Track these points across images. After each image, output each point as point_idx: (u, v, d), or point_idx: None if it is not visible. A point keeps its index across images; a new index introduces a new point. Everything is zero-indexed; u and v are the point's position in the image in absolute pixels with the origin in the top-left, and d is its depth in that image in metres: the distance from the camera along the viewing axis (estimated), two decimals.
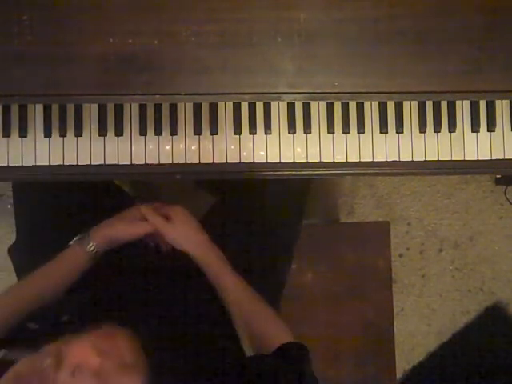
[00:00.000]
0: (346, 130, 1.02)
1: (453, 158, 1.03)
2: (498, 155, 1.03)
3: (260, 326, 0.96)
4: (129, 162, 1.03)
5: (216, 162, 1.03)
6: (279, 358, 0.87)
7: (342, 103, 1.02)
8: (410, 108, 1.03)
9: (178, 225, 1.03)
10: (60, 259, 1.02)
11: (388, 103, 1.02)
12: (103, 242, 1.03)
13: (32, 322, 0.88)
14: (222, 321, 0.97)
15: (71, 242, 1.03)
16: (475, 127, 1.03)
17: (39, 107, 1.02)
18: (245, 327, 0.95)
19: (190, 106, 1.03)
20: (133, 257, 1.07)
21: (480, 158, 1.03)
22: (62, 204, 1.15)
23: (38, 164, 1.02)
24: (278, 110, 1.03)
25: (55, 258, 1.02)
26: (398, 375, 1.79)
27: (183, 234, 1.03)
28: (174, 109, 1.02)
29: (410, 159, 1.03)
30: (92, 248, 1.02)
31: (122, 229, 1.04)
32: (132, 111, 1.03)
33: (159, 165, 1.03)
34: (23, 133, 1.02)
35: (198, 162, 1.04)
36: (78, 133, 1.02)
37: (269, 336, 0.94)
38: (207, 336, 0.89)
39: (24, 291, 0.99)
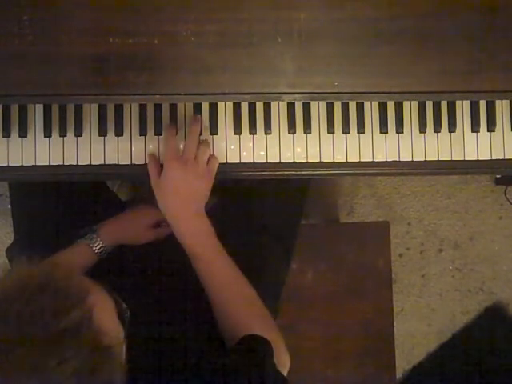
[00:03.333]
0: (346, 130, 1.02)
1: (453, 158, 1.03)
2: (498, 155, 1.03)
3: (234, 311, 0.94)
4: (129, 162, 1.03)
5: None
6: (240, 352, 0.86)
7: (342, 103, 1.02)
8: (410, 108, 1.03)
9: (162, 180, 0.96)
10: (66, 256, 1.02)
11: (388, 103, 1.02)
12: (112, 243, 1.05)
13: None
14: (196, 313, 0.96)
15: (78, 240, 1.04)
16: (475, 127, 1.03)
17: (39, 107, 1.02)
18: (219, 309, 0.94)
19: (190, 106, 1.03)
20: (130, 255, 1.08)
21: (480, 158, 1.03)
22: (59, 205, 1.15)
23: (37, 164, 1.02)
24: (278, 110, 1.03)
25: (60, 254, 1.02)
26: (398, 375, 1.79)
27: (163, 191, 0.96)
28: (174, 109, 1.03)
29: (410, 159, 1.03)
30: (100, 248, 1.03)
31: (134, 235, 1.06)
32: (132, 111, 1.03)
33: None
34: (23, 133, 1.02)
35: None
36: (78, 133, 1.02)
37: (240, 325, 0.92)
38: (177, 333, 0.89)
39: None
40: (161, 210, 0.97)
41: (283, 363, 0.92)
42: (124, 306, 0.71)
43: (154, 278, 1.06)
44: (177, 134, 1.03)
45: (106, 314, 0.65)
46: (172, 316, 0.95)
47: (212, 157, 0.99)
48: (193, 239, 0.96)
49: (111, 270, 1.06)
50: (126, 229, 1.07)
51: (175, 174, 0.95)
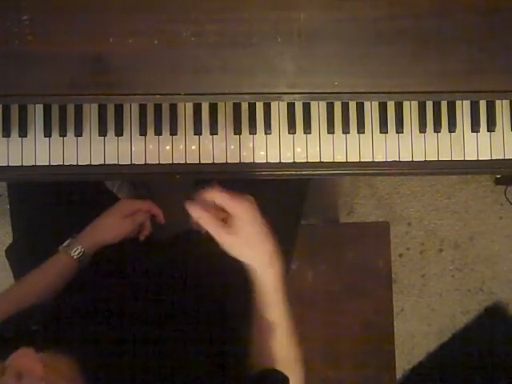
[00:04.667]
0: (346, 130, 1.02)
1: (453, 158, 1.03)
2: (498, 155, 1.03)
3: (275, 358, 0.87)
4: (129, 162, 1.03)
5: (216, 162, 1.03)
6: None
7: (342, 103, 1.02)
8: (410, 108, 1.03)
9: (240, 229, 0.80)
10: (46, 267, 1.01)
11: (388, 103, 1.02)
12: (91, 246, 1.03)
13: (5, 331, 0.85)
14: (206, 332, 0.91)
15: (59, 248, 1.03)
16: (475, 127, 1.03)
17: (39, 107, 1.02)
18: (257, 341, 0.88)
19: (190, 106, 1.03)
20: (116, 260, 1.06)
21: (480, 158, 1.03)
22: (58, 204, 1.15)
23: (37, 164, 1.02)
24: (278, 110, 1.03)
25: (41, 265, 1.01)
26: (398, 375, 1.79)
27: (245, 241, 0.81)
28: (174, 109, 1.03)
29: (410, 159, 1.03)
30: (79, 253, 1.02)
31: (109, 230, 1.04)
32: (132, 111, 1.03)
33: (159, 165, 1.03)
34: (23, 133, 1.02)
35: (198, 162, 1.04)
36: (78, 133, 1.02)
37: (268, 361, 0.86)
38: (183, 355, 0.82)
39: (7, 301, 0.96)
40: (251, 263, 0.83)
41: None
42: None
43: (154, 282, 1.05)
44: (176, 134, 1.03)
45: None
46: (173, 322, 0.95)
47: None
48: (278, 285, 0.85)
49: (112, 275, 1.06)
50: (102, 227, 1.05)
51: (249, 211, 0.81)
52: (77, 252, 1.01)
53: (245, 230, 0.80)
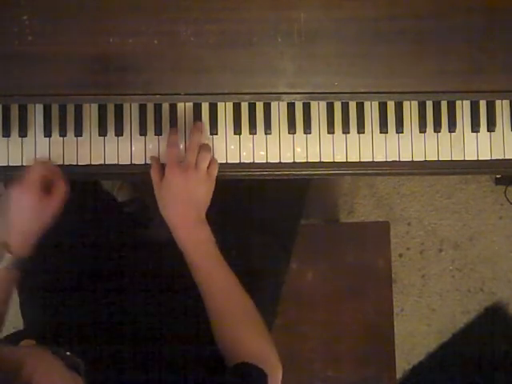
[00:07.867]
0: (345, 130, 1.02)
1: (453, 158, 1.03)
2: (498, 155, 1.03)
3: (232, 324, 0.91)
4: (129, 162, 1.03)
5: None
6: (236, 378, 0.83)
7: (342, 103, 1.02)
8: (410, 108, 1.03)
9: (163, 187, 0.95)
10: None
11: (388, 103, 1.02)
12: (23, 247, 0.92)
13: None
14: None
15: None
16: (475, 127, 1.03)
17: (39, 107, 1.02)
18: (216, 321, 0.91)
19: (190, 106, 1.03)
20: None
21: (480, 158, 1.03)
22: None
23: None
24: (278, 110, 1.03)
25: None
26: (398, 375, 1.79)
27: (164, 199, 0.95)
28: (174, 109, 1.03)
29: (410, 159, 1.03)
30: (11, 262, 0.91)
31: (36, 216, 0.90)
32: (132, 111, 1.03)
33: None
34: (23, 133, 1.02)
35: None
36: (78, 133, 1.02)
37: (237, 340, 0.89)
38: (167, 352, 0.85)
39: None
40: (163, 217, 0.96)
41: (276, 379, 0.89)
42: (77, 359, 0.68)
43: (153, 282, 1.05)
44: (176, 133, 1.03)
45: (51, 375, 0.61)
46: (171, 326, 0.95)
47: (212, 161, 0.98)
48: (192, 248, 0.94)
49: (110, 275, 1.06)
50: (24, 221, 0.90)
51: (176, 181, 0.94)
52: (6, 263, 0.90)
53: (166, 189, 0.94)
